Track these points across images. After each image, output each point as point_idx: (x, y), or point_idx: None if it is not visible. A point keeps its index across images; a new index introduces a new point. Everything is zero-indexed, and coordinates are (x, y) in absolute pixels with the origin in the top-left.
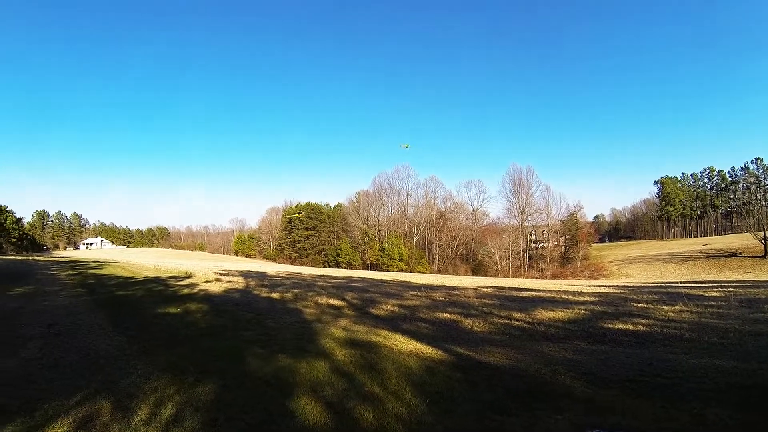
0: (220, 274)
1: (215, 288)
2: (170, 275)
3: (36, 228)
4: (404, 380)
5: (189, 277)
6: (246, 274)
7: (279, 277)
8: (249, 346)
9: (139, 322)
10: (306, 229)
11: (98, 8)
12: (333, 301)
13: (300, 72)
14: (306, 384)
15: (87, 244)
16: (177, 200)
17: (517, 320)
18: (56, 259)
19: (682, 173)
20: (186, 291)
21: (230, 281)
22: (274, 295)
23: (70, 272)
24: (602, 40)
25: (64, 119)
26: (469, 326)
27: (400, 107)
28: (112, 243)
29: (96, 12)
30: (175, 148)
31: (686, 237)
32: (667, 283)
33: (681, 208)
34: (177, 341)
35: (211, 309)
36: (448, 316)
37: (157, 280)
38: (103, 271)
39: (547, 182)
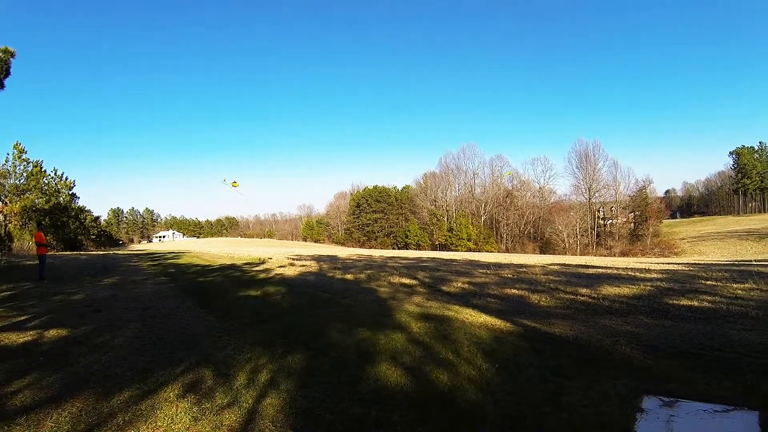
0: (293, 259)
1: (290, 272)
2: (244, 262)
3: (112, 225)
4: (475, 348)
5: (263, 263)
6: (318, 258)
7: (350, 260)
8: (329, 321)
9: (224, 304)
10: (374, 212)
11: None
12: (405, 280)
13: (362, 55)
14: (385, 352)
15: (159, 236)
16: (245, 189)
17: (583, 296)
18: (134, 252)
19: (760, 142)
20: (262, 276)
21: (303, 265)
22: (348, 276)
23: (150, 263)
24: (669, 5)
25: (134, 118)
26: (536, 301)
27: (465, 86)
28: (183, 234)
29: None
30: (241, 138)
31: (765, 212)
32: (741, 261)
33: (759, 181)
34: (261, 319)
35: (288, 291)
36: (516, 291)
37: (232, 267)
38: (180, 261)
39: (614, 157)
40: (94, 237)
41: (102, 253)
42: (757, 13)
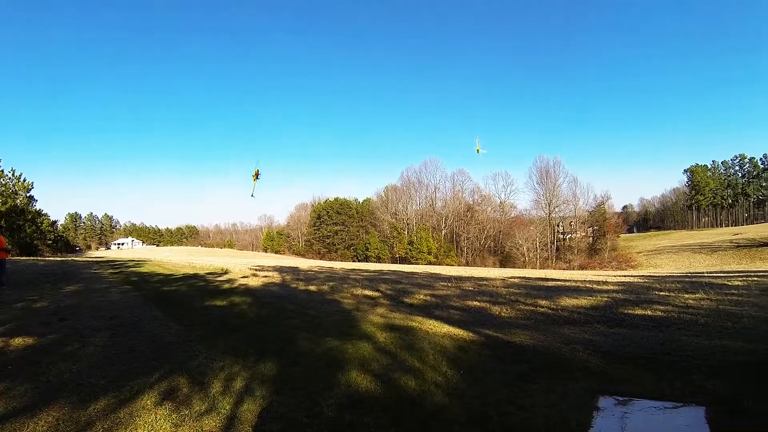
0: (256, 269)
1: (254, 282)
2: (207, 272)
3: (69, 230)
4: (440, 356)
5: (225, 273)
6: (280, 269)
7: (312, 271)
8: (297, 331)
9: (191, 314)
10: (335, 224)
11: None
12: (368, 292)
13: (323, 68)
14: (354, 360)
15: (118, 244)
16: (204, 199)
17: (542, 307)
18: (93, 259)
19: (713, 161)
20: (227, 286)
21: (266, 276)
22: (311, 287)
23: (112, 271)
24: (627, 28)
25: (92, 122)
26: (497, 312)
27: (427, 101)
28: (143, 242)
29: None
30: (203, 147)
31: (717, 227)
32: (693, 273)
33: (711, 197)
34: (230, 329)
35: (254, 301)
36: (477, 303)
37: (195, 277)
38: (142, 269)
39: (574, 173)
40: (50, 242)
41: (60, 259)
42: (713, 36)
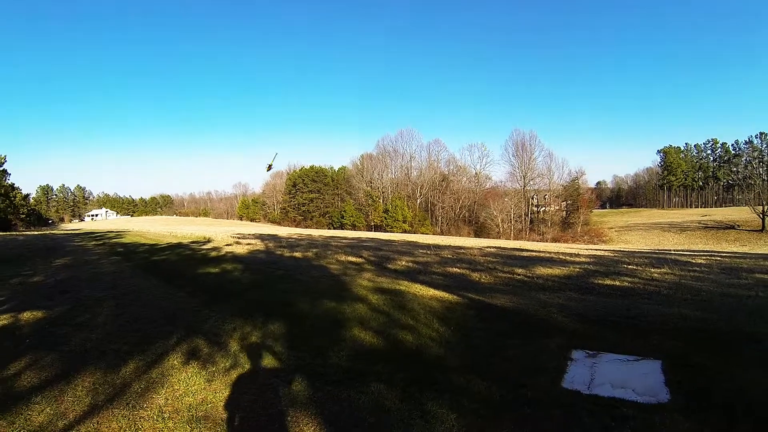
0: (238, 237)
1: (240, 250)
2: (191, 240)
3: (41, 203)
4: (430, 315)
5: (209, 241)
6: (261, 237)
7: (293, 238)
8: (293, 295)
9: (188, 282)
10: (310, 192)
11: None
12: (352, 258)
13: (302, 33)
14: (354, 319)
15: (92, 215)
16: (179, 168)
17: (519, 275)
18: (70, 232)
19: (686, 144)
20: (214, 254)
21: (250, 244)
22: (297, 254)
23: (95, 243)
24: (609, 6)
25: (59, 90)
26: (477, 279)
27: (405, 71)
28: (117, 213)
29: None
30: (175, 114)
31: (687, 207)
32: (661, 250)
33: (683, 179)
34: (230, 294)
35: (245, 268)
36: (458, 270)
37: (180, 246)
38: (125, 240)
39: (549, 147)
40: (23, 216)
41: (38, 233)
42: (692, 16)
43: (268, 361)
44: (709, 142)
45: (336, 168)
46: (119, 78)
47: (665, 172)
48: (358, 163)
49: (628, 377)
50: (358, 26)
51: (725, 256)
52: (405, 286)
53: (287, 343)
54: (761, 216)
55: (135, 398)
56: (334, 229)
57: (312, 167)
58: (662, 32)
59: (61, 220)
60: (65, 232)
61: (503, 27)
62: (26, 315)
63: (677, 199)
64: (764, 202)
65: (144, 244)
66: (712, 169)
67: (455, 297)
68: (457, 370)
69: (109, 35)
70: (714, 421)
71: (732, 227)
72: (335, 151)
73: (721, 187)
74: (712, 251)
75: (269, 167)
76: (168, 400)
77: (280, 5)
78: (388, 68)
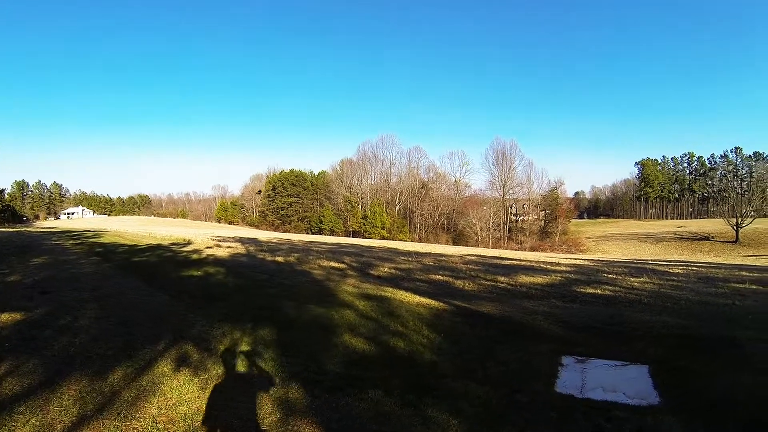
0: (218, 240)
1: (221, 253)
2: (170, 242)
3: (16, 199)
4: (419, 322)
5: (189, 243)
6: (241, 240)
7: (273, 242)
8: (279, 300)
9: (171, 284)
10: (290, 196)
11: None
12: (334, 264)
13: (285, 38)
14: (343, 325)
15: (68, 213)
16: (158, 168)
17: (502, 283)
18: (47, 230)
19: (663, 156)
20: (195, 256)
21: (230, 247)
22: (278, 258)
23: (73, 242)
24: (591, 20)
25: (40, 85)
26: (461, 286)
27: (387, 77)
28: (94, 212)
29: None
30: (156, 114)
31: (663, 219)
32: (639, 260)
33: (659, 190)
34: (215, 297)
35: (227, 271)
36: (441, 277)
37: (161, 247)
38: (103, 240)
39: (530, 157)
40: None
41: (12, 230)
42: (674, 31)
43: (261, 368)
44: (685, 155)
45: (316, 172)
46: (99, 74)
47: (642, 183)
48: (338, 168)
49: (618, 381)
50: (340, 27)
51: (701, 266)
52: (390, 292)
53: (279, 350)
54: (735, 228)
55: (126, 407)
56: (313, 234)
57: (292, 171)
58: (641, 47)
59: (36, 217)
60: (41, 230)
61: (485, 37)
62: (5, 317)
63: (654, 210)
64: (738, 215)
65: (123, 245)
66: (688, 182)
67: (441, 304)
68: (452, 376)
69: (94, 33)
70: (703, 421)
71: (707, 238)
72: (315, 155)
73: (696, 199)
74: (688, 261)
75: None
76: (161, 409)
77: (262, 6)
78: (369, 73)
